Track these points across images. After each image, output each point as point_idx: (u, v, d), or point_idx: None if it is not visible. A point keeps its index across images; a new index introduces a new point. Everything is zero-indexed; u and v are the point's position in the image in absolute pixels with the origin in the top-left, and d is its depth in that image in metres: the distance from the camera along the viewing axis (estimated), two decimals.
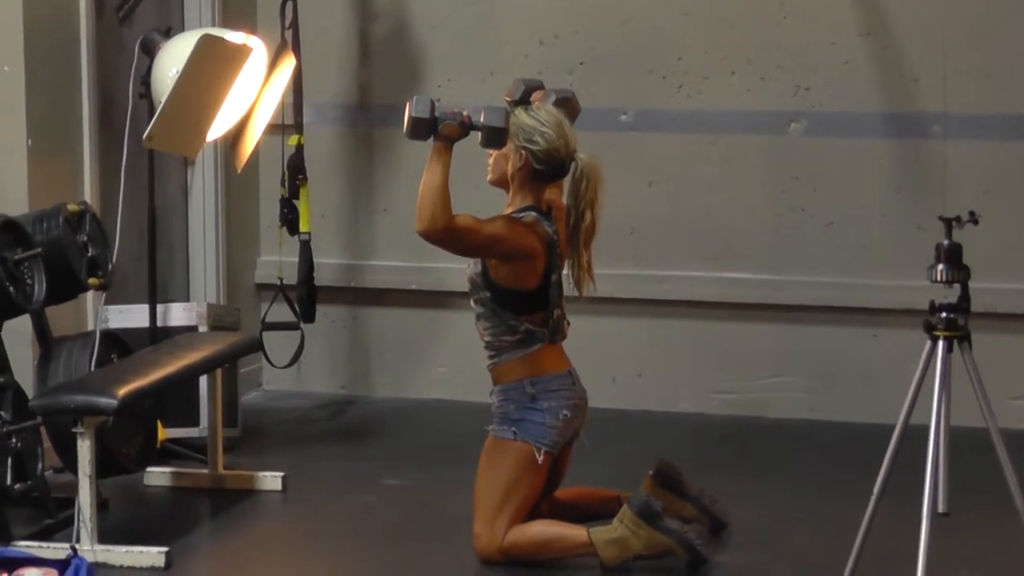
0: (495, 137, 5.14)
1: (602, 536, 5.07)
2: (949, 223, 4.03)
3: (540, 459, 5.17)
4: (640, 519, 5.03)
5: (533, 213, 5.24)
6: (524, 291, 5.23)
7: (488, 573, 5.17)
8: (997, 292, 6.58)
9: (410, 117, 5.12)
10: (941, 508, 3.87)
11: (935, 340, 3.98)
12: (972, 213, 4.04)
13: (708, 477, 6.14)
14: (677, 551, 5.03)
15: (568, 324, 5.38)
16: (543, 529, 5.18)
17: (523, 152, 5.19)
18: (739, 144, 7.22)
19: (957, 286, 4.02)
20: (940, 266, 4.03)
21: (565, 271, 5.29)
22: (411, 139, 5.20)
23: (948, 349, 3.97)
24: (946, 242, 4.03)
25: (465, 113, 5.15)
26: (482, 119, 5.10)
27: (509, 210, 5.28)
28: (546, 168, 5.20)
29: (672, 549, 5.03)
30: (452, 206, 5.07)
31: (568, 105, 5.46)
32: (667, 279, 7.24)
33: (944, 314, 3.99)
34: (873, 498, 3.99)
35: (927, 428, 3.90)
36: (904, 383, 4.01)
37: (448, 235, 5.10)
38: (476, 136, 5.14)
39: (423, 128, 5.13)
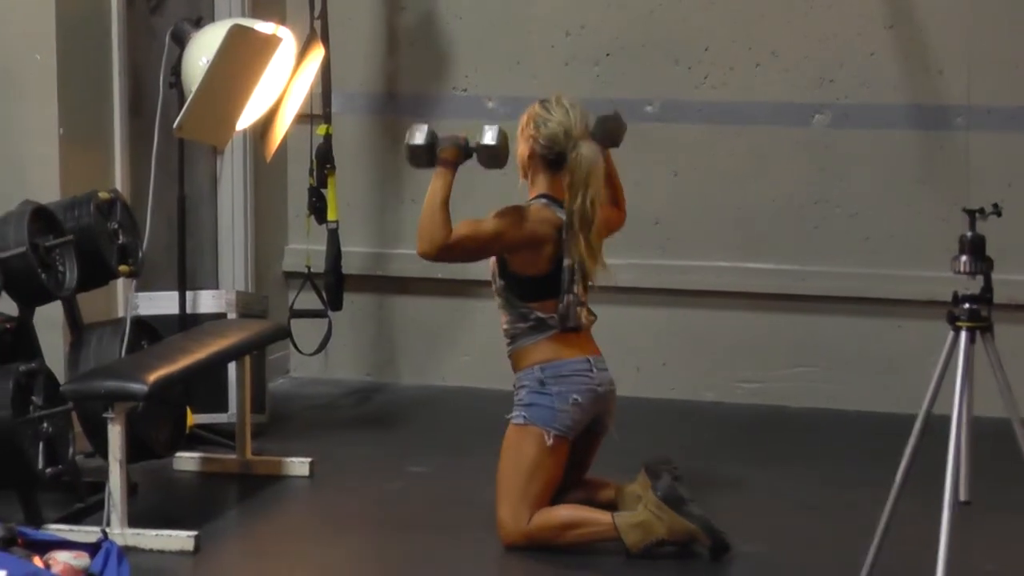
0: (490, 156, 5.27)
1: (626, 520, 5.09)
2: (973, 215, 4.03)
3: (549, 442, 5.20)
4: (664, 504, 5.06)
5: (543, 200, 5.31)
6: (534, 277, 5.30)
7: (513, 558, 5.20)
8: (1020, 284, 6.58)
9: (408, 146, 5.29)
10: (963, 496, 3.87)
11: (958, 331, 3.99)
12: (995, 205, 4.04)
13: (730, 466, 6.20)
14: (700, 536, 5.05)
15: (593, 316, 5.40)
16: (568, 513, 5.21)
17: (530, 140, 5.30)
18: (764, 135, 7.23)
19: (980, 277, 4.02)
20: (963, 257, 4.03)
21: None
22: (414, 167, 5.39)
23: (971, 340, 3.97)
24: (969, 233, 4.03)
25: (462, 136, 5.29)
26: (477, 140, 5.24)
27: (529, 199, 5.39)
28: (548, 154, 5.29)
29: (695, 534, 5.05)
30: (453, 216, 5.22)
31: (605, 125, 5.47)
32: (692, 269, 7.26)
33: (967, 305, 3.99)
34: (895, 486, 4.00)
35: (949, 418, 3.91)
36: (926, 373, 4.02)
37: (448, 251, 5.26)
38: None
39: (423, 155, 5.30)
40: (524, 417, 5.26)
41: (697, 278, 7.28)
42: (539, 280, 5.30)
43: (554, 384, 5.26)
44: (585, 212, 5.24)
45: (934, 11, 7.04)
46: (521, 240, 5.27)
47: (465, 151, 5.30)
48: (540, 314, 5.29)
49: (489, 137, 5.26)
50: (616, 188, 5.64)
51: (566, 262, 5.27)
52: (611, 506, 5.29)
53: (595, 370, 5.32)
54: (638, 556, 5.07)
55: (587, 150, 5.26)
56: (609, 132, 5.47)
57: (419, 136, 5.30)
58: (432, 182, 5.28)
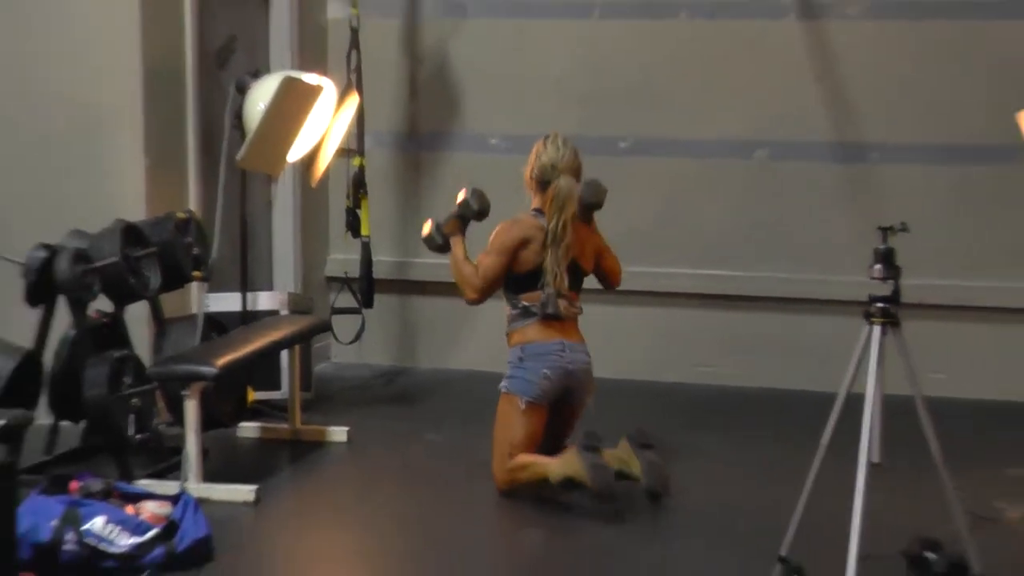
0: (468, 209, 5.50)
1: (560, 461, 5.16)
2: (885, 231, 4.02)
3: (522, 407, 5.29)
4: (579, 449, 5.08)
5: (534, 212, 5.46)
6: (523, 274, 5.42)
7: (505, 502, 5.27)
8: (923, 287, 6.59)
9: (423, 239, 5.56)
10: (875, 459, 3.88)
11: (872, 325, 4.00)
12: (903, 224, 4.04)
13: (686, 433, 6.21)
14: (585, 478, 5.01)
15: (576, 309, 5.45)
16: (526, 458, 5.29)
17: (531, 167, 5.48)
18: (716, 167, 7.25)
19: (891, 282, 4.04)
20: (877, 266, 4.01)
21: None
22: (436, 252, 5.59)
23: (882, 332, 3.97)
24: (882, 246, 4.02)
25: (454, 210, 5.51)
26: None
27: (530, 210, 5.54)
28: (540, 180, 5.45)
29: (582, 475, 5.02)
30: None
31: (589, 188, 5.53)
32: (660, 275, 7.27)
33: (879, 304, 3.99)
34: (820, 450, 4.01)
35: (864, 396, 3.93)
36: (846, 360, 4.03)
37: (485, 288, 5.45)
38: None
39: (436, 238, 5.53)
40: (506, 387, 5.37)
41: (663, 282, 7.30)
42: (526, 276, 5.42)
43: (530, 361, 5.34)
44: (556, 231, 5.37)
45: (852, 68, 7.08)
46: (517, 242, 5.41)
47: (460, 217, 5.50)
48: (526, 303, 5.40)
49: (462, 196, 5.50)
50: (601, 251, 5.63)
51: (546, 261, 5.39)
52: None
53: (567, 351, 5.37)
54: (557, 487, 5.13)
55: (565, 183, 5.38)
56: (594, 193, 5.52)
57: (426, 228, 5.54)
58: (452, 250, 5.48)
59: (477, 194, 5.52)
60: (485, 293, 5.48)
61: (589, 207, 5.53)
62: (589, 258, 5.54)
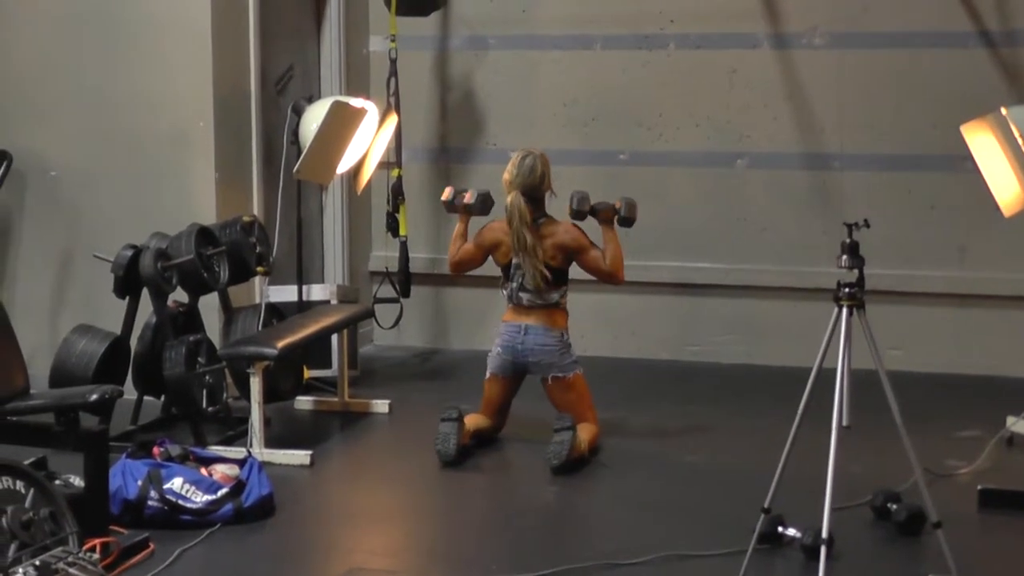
0: (472, 208, 5.51)
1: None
2: (850, 227, 3.98)
3: (487, 376, 5.41)
4: (440, 420, 5.23)
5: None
6: (503, 265, 5.44)
7: (523, 464, 5.17)
8: (882, 276, 6.54)
9: (442, 201, 5.60)
10: (845, 422, 3.83)
11: (840, 308, 3.94)
12: (865, 221, 3.99)
13: (678, 403, 6.15)
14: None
15: (544, 300, 5.35)
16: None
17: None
18: (701, 174, 7.18)
19: (855, 270, 3.97)
20: (844, 256, 3.97)
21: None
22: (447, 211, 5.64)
23: (849, 314, 3.93)
24: (848, 240, 3.98)
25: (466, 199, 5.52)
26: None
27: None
28: (505, 191, 5.40)
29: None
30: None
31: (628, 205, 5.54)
32: (653, 267, 7.20)
33: (847, 289, 3.94)
34: (797, 416, 3.95)
35: (835, 369, 3.86)
36: (818, 338, 3.97)
37: (455, 266, 5.54)
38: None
39: (449, 204, 5.59)
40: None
41: (657, 273, 7.22)
42: (504, 268, 5.44)
43: (498, 337, 5.39)
44: (515, 241, 5.30)
45: (817, 88, 7.00)
46: (490, 243, 5.44)
47: (467, 208, 5.50)
48: (504, 290, 5.43)
49: (468, 197, 5.51)
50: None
51: (514, 260, 5.35)
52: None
53: (523, 334, 5.33)
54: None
55: (511, 197, 5.31)
56: (629, 208, 5.51)
57: (446, 194, 5.62)
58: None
59: (480, 195, 5.50)
60: (455, 267, 5.54)
61: (624, 221, 5.47)
62: (549, 254, 5.36)
